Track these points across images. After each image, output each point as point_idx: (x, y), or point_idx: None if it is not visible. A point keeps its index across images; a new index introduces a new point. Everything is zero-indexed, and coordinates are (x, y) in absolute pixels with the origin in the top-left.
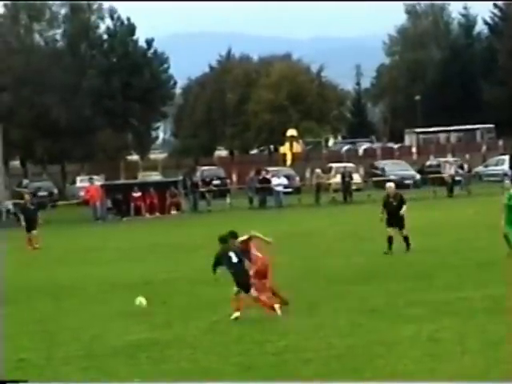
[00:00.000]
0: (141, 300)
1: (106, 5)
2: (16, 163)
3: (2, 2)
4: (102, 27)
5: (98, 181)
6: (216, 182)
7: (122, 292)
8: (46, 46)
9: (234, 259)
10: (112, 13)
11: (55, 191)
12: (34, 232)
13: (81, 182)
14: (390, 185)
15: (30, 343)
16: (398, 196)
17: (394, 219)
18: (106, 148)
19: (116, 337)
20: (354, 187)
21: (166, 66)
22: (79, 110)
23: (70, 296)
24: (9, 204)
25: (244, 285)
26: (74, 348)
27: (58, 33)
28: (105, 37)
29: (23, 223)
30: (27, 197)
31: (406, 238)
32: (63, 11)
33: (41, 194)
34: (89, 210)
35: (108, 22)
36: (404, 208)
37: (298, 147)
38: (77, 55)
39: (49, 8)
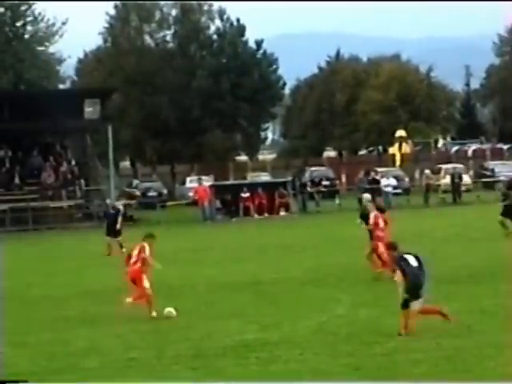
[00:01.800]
0: (170, 310)
1: (215, 6)
2: (126, 164)
3: (112, 3)
4: (212, 28)
5: (207, 181)
6: (325, 182)
7: (231, 292)
8: (157, 47)
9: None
10: (222, 14)
11: (165, 192)
12: (108, 238)
13: (190, 182)
14: (366, 196)
15: (141, 342)
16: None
17: None
18: (216, 149)
19: (225, 337)
20: (463, 188)
21: (274, 66)
22: (189, 110)
23: (180, 295)
24: (119, 204)
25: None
26: (184, 347)
27: (168, 34)
28: (214, 38)
29: (118, 226)
30: (109, 201)
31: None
32: (173, 12)
33: (150, 194)
34: (198, 210)
35: (218, 23)
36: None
37: (407, 148)
38: (187, 56)
39: (159, 9)
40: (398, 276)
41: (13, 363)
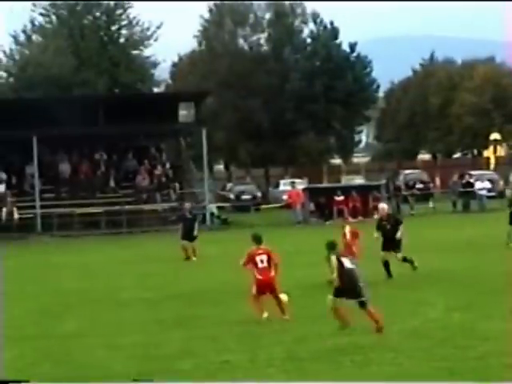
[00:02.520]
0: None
1: (309, 9)
2: (220, 167)
3: (206, 7)
4: (306, 31)
5: (301, 184)
6: (419, 185)
7: (324, 295)
8: (250, 50)
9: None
10: (315, 17)
11: (258, 195)
12: (185, 242)
13: (284, 185)
14: (382, 206)
15: (235, 345)
16: (391, 218)
17: (390, 243)
18: (309, 151)
19: (319, 340)
20: None
21: (368, 69)
22: (282, 113)
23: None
24: (213, 207)
25: None
26: (278, 350)
27: (261, 37)
28: (308, 41)
29: (180, 231)
30: (187, 205)
31: (405, 260)
32: (267, 16)
33: (244, 197)
34: (291, 213)
35: (311, 26)
36: (400, 231)
37: (501, 151)
38: (280, 59)
39: (253, 13)
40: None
41: (106, 366)
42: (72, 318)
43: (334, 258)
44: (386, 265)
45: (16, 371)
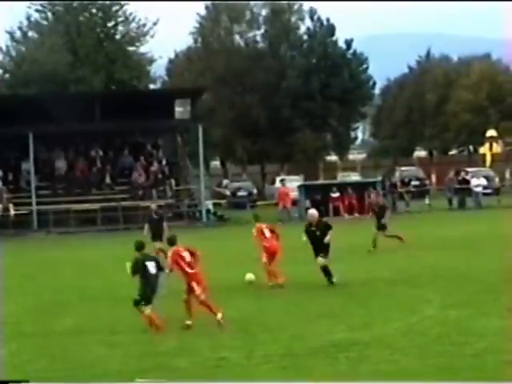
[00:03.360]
0: (250, 276)
1: (306, 6)
2: (216, 163)
3: (203, 4)
4: (302, 28)
5: (297, 181)
6: (415, 182)
7: (321, 292)
8: (247, 47)
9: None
10: (312, 14)
11: (254, 191)
12: (157, 244)
13: (280, 182)
14: (311, 212)
15: (230, 342)
16: (321, 223)
17: (319, 249)
18: (305, 148)
19: (315, 337)
20: None
21: (365, 66)
22: (279, 110)
23: (269, 295)
24: (209, 204)
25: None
26: (274, 347)
27: (258, 34)
28: (305, 38)
29: (145, 232)
30: (153, 206)
31: (324, 270)
32: (264, 12)
33: (240, 194)
34: (279, 211)
35: (308, 22)
36: (328, 236)
37: (497, 148)
38: (277, 56)
39: (249, 9)
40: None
41: (103, 363)
42: (69, 315)
43: (169, 253)
44: (325, 270)
45: (13, 368)
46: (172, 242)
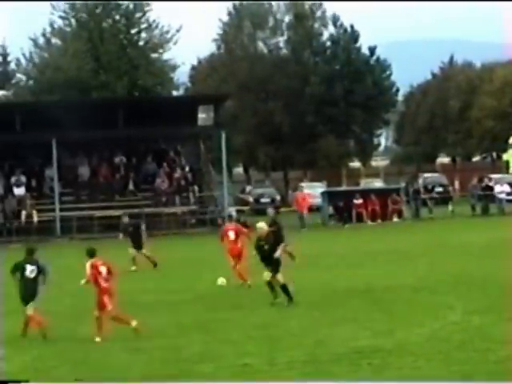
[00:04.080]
0: (222, 280)
1: (329, 12)
2: (239, 170)
3: (226, 10)
4: (326, 34)
5: (320, 187)
6: (438, 189)
7: (344, 298)
8: (270, 53)
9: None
10: (335, 20)
11: (277, 198)
12: (132, 250)
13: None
14: (260, 225)
15: (254, 348)
16: (269, 237)
17: (268, 263)
18: (329, 155)
19: (339, 343)
20: None
21: (388, 72)
22: (302, 116)
23: (295, 302)
24: (232, 210)
25: None
26: (297, 353)
27: (281, 40)
28: (328, 44)
29: (120, 237)
30: (125, 219)
31: (270, 284)
32: (287, 19)
33: (263, 200)
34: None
35: (331, 29)
36: (279, 250)
37: None
38: (300, 62)
39: (272, 16)
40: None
41: (126, 369)
42: (92, 322)
43: (88, 265)
44: (270, 285)
45: (36, 373)
46: (92, 253)
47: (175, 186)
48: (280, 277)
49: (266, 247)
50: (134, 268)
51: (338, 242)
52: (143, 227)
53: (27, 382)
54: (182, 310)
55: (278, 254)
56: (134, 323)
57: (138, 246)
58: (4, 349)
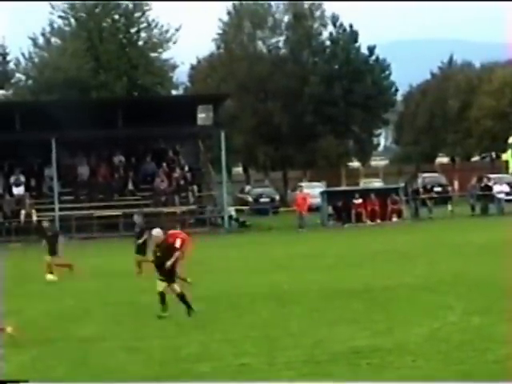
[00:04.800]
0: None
1: (328, 12)
2: (239, 169)
3: (225, 10)
4: (325, 34)
5: (320, 187)
6: (437, 189)
7: (343, 298)
8: (269, 53)
9: None
10: (334, 20)
11: (277, 197)
12: (47, 257)
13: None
14: (155, 232)
15: (252, 348)
16: (163, 245)
17: (161, 272)
18: (328, 155)
19: (338, 343)
20: None
21: (387, 72)
22: (301, 116)
23: (291, 302)
24: (231, 210)
25: None
26: (296, 353)
27: (280, 40)
28: (327, 43)
29: (43, 245)
30: (45, 224)
31: (181, 298)
32: (286, 19)
33: (263, 200)
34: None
35: (330, 28)
36: (171, 260)
37: None
38: (299, 62)
39: (272, 15)
40: None
41: (125, 369)
42: (91, 321)
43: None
44: (162, 297)
45: (35, 373)
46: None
47: (174, 185)
48: (176, 286)
49: (159, 254)
50: (49, 276)
51: (337, 242)
52: (61, 237)
53: (26, 382)
54: (181, 310)
55: (169, 263)
56: (9, 329)
57: (53, 252)
58: (3, 349)
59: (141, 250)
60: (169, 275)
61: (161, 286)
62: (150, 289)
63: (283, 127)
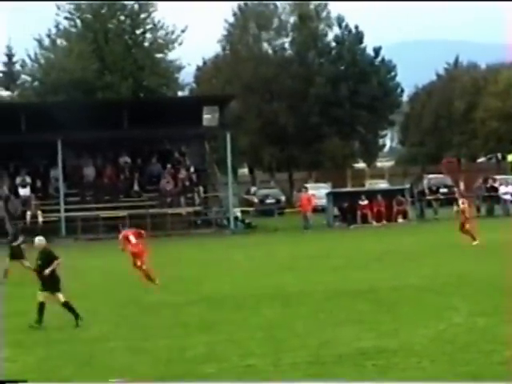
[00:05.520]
0: None
1: (334, 13)
2: (244, 171)
3: (231, 11)
4: (330, 35)
5: (325, 188)
6: (443, 190)
7: (349, 299)
8: (275, 54)
9: None
10: (340, 21)
11: (282, 199)
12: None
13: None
14: (36, 240)
15: (258, 349)
16: (43, 253)
17: (41, 281)
18: (334, 156)
19: (343, 344)
20: None
21: (393, 73)
22: (307, 117)
23: (297, 302)
24: (237, 211)
25: None
26: (302, 354)
27: (286, 41)
28: (333, 45)
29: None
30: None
31: (66, 305)
32: (291, 20)
33: (268, 201)
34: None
35: (336, 30)
36: (50, 268)
37: None
38: (305, 63)
39: (277, 17)
40: None
41: (130, 369)
42: (96, 322)
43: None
44: (41, 307)
45: (40, 374)
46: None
47: (180, 186)
48: (60, 295)
49: (39, 262)
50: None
51: (343, 243)
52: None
53: (25, 381)
54: (187, 311)
55: (47, 271)
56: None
57: (16, 257)
58: (4, 348)
59: (16, 255)
60: (51, 284)
61: (42, 295)
62: (154, 290)
63: (289, 128)
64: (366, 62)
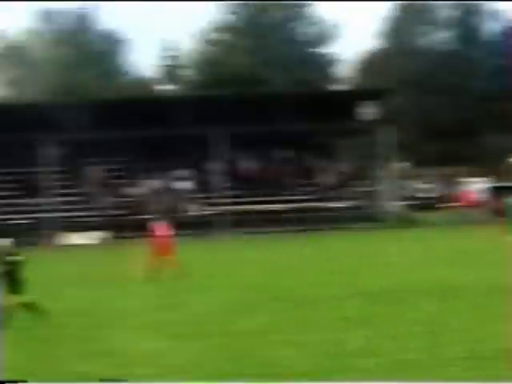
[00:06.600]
0: None
1: (495, 6)
2: (403, 165)
3: (386, 6)
4: (491, 29)
5: (484, 183)
6: None
7: (504, 295)
8: (433, 48)
9: None
10: (500, 15)
11: (441, 193)
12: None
13: (468, 184)
14: (1, 242)
15: (415, 343)
16: (9, 255)
17: (9, 283)
18: (495, 150)
19: (499, 339)
20: None
21: None
22: (466, 111)
23: (456, 298)
24: (395, 205)
25: None
26: (457, 349)
27: (445, 35)
28: (493, 38)
29: None
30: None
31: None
32: (452, 14)
33: (427, 195)
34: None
35: (492, 24)
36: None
37: None
38: (464, 57)
39: (437, 11)
40: None
41: (288, 363)
42: (255, 315)
43: None
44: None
45: (195, 367)
46: None
47: (337, 180)
48: (26, 298)
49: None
50: None
51: (503, 238)
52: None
53: (25, 381)
54: (347, 304)
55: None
56: None
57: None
58: (161, 341)
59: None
60: (16, 286)
61: (10, 299)
62: (314, 283)
63: (448, 123)
64: None
